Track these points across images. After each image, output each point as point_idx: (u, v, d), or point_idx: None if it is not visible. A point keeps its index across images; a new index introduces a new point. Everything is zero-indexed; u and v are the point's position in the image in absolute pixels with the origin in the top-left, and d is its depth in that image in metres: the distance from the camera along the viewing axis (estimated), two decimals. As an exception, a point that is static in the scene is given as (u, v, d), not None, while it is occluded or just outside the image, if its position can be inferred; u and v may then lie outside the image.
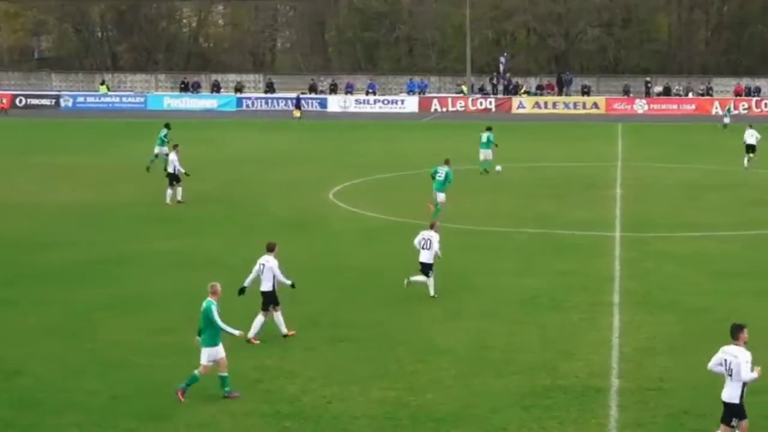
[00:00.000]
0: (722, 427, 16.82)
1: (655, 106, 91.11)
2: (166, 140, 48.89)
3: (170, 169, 41.13)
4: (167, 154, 43.63)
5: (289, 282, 23.30)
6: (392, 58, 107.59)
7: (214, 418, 18.60)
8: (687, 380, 20.35)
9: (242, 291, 23.27)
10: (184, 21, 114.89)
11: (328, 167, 52.29)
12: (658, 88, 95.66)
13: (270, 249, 23.39)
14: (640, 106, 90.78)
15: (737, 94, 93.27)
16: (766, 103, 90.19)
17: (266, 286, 23.08)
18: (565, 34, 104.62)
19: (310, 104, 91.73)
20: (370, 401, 19.40)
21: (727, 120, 75.72)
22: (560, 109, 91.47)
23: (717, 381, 20.06)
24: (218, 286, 19.86)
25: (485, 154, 50.69)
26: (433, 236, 26.81)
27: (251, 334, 22.63)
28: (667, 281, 28.64)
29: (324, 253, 32.17)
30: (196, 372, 19.38)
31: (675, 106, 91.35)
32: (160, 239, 34.30)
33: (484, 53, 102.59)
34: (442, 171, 38.48)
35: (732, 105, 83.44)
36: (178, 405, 19.10)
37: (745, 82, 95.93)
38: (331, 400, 19.45)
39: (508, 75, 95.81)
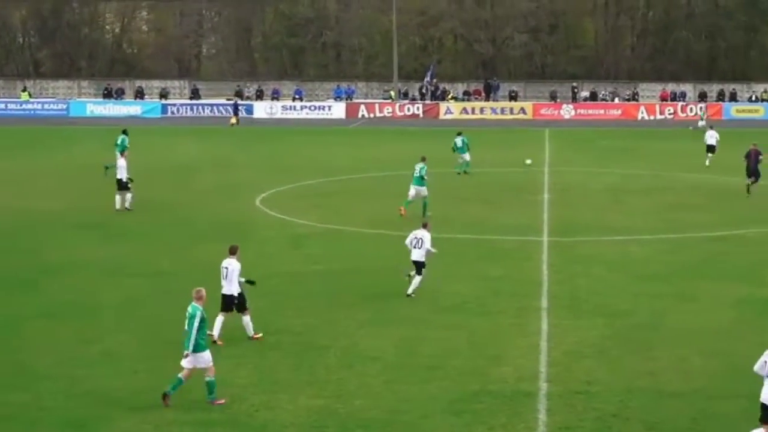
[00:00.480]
0: (763, 427, 17.03)
1: (582, 111, 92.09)
2: (125, 146, 48.84)
3: (119, 176, 41.11)
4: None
5: (242, 279, 23.70)
6: (319, 64, 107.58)
7: (139, 428, 18.48)
8: (614, 383, 20.60)
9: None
10: (107, 27, 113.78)
11: (255, 174, 52.14)
12: (585, 94, 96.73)
13: (232, 252, 23.66)
14: (567, 111, 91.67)
15: (663, 99, 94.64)
16: (691, 108, 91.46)
17: (230, 289, 23.33)
18: (492, 40, 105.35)
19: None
20: (298, 409, 19.38)
21: (702, 123, 76.85)
22: (488, 115, 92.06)
23: (645, 385, 20.42)
24: (203, 291, 19.95)
25: (463, 158, 53.02)
26: (425, 235, 27.75)
27: (215, 334, 22.96)
28: (594, 285, 28.98)
29: (251, 260, 31.98)
30: (180, 377, 19.55)
31: (601, 111, 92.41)
32: (85, 247, 33.99)
33: (411, 59, 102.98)
34: (418, 167, 40.35)
35: (705, 107, 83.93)
36: (103, 414, 18.97)
37: (670, 87, 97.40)
38: (259, 409, 19.41)
39: (435, 81, 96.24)
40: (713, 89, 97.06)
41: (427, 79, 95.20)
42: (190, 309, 19.64)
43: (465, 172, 52.59)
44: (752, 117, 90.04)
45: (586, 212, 41.27)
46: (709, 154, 55.43)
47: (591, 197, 45.35)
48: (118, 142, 50.31)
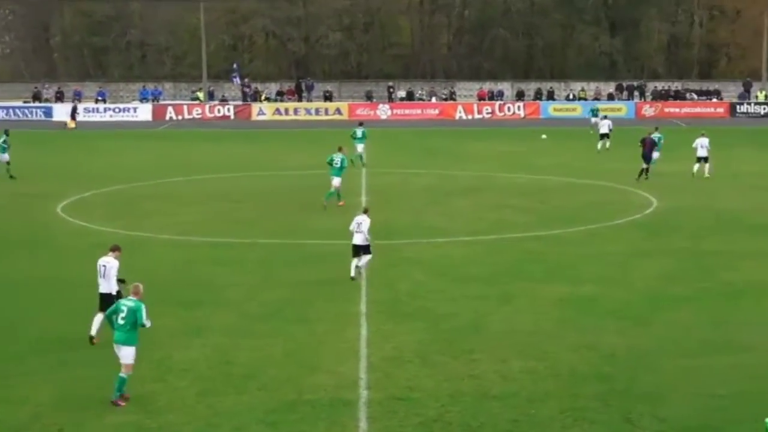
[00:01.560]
0: None
1: (399, 111, 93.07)
2: (6, 146, 51.99)
3: None
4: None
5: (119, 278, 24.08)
6: (124, 65, 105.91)
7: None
8: (436, 389, 20.78)
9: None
10: None
11: (56, 180, 50.96)
12: (402, 93, 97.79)
13: (113, 249, 24.05)
14: (384, 111, 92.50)
15: (480, 98, 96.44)
16: (509, 107, 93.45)
17: (107, 287, 23.69)
18: (306, 39, 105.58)
19: (34, 113, 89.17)
20: (105, 427, 18.93)
21: (596, 120, 78.14)
22: (302, 116, 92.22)
23: (467, 389, 20.65)
24: (141, 287, 20.70)
25: (360, 148, 56.18)
26: (365, 220, 29.79)
27: (93, 331, 23.39)
28: (414, 288, 29.22)
29: (51, 270, 31.28)
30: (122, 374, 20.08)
31: (419, 111, 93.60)
32: None
33: (220, 58, 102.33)
34: (338, 158, 43.18)
35: (596, 106, 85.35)
36: None
37: (487, 86, 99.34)
38: (63, 427, 18.88)
39: (247, 80, 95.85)
40: (531, 88, 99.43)
41: (236, 80, 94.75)
42: (131, 303, 20.30)
43: (362, 165, 55.34)
44: (570, 116, 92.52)
45: (405, 214, 41.65)
46: (601, 141, 64.39)
47: (410, 199, 45.81)
48: (0, 142, 52.51)
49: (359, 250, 29.68)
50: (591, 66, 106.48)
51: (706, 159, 52.29)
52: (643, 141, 51.55)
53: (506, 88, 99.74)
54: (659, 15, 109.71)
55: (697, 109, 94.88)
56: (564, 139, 72.37)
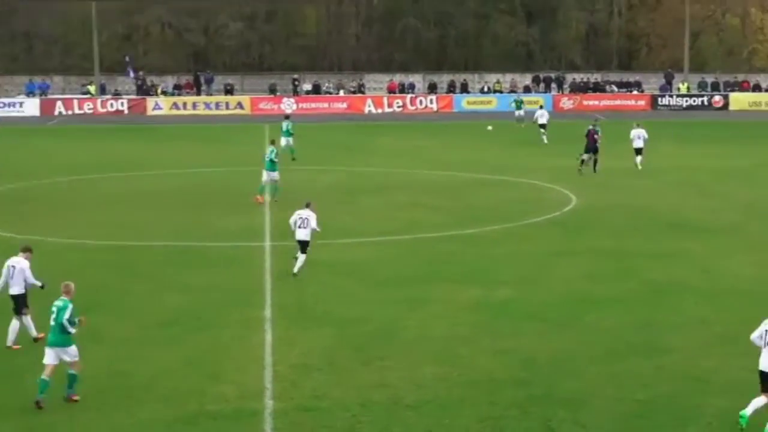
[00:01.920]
0: (763, 396, 18.85)
1: (305, 105, 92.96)
2: None
3: None
4: None
5: (39, 283, 24.21)
6: (8, 57, 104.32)
7: None
8: (346, 397, 20.81)
9: None
10: None
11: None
12: (307, 86, 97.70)
13: (23, 250, 24.29)
14: (288, 105, 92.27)
15: (391, 91, 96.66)
16: (421, 101, 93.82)
17: (16, 289, 23.86)
18: (205, 29, 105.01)
19: None
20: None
21: (520, 113, 78.59)
22: (201, 110, 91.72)
23: (378, 397, 20.71)
24: (72, 285, 21.19)
25: (287, 141, 57.14)
26: (311, 215, 31.00)
27: (10, 341, 23.62)
28: (322, 292, 29.23)
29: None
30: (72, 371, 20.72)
31: (326, 105, 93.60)
32: None
33: (113, 50, 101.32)
34: (269, 151, 44.73)
35: (520, 98, 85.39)
36: None
37: (398, 78, 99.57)
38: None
39: (141, 73, 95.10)
40: (444, 80, 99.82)
41: (130, 73, 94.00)
42: (59, 303, 20.70)
43: (292, 158, 56.17)
44: (484, 109, 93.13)
45: (311, 214, 41.59)
46: (542, 131, 67.92)
47: (318, 197, 45.42)
48: None
49: (302, 246, 30.87)
50: (507, 57, 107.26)
51: (641, 151, 53.37)
52: (588, 132, 52.84)
53: (418, 80, 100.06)
54: (577, 3, 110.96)
55: (617, 102, 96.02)
56: (479, 134, 72.83)
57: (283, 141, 56.29)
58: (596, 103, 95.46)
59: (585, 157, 52.49)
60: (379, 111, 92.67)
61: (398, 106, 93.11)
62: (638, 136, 54.10)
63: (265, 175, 44.60)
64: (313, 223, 31.00)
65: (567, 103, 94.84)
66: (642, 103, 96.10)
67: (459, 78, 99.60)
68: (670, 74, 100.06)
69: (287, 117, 61.00)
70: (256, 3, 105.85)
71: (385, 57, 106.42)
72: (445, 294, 28.95)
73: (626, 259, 33.25)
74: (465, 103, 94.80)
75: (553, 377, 21.86)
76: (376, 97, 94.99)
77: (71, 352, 20.64)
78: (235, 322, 26.24)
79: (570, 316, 26.56)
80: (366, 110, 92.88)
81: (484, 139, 70.00)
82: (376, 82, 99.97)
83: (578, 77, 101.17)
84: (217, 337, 24.96)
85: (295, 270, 30.66)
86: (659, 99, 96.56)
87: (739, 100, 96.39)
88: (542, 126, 68.19)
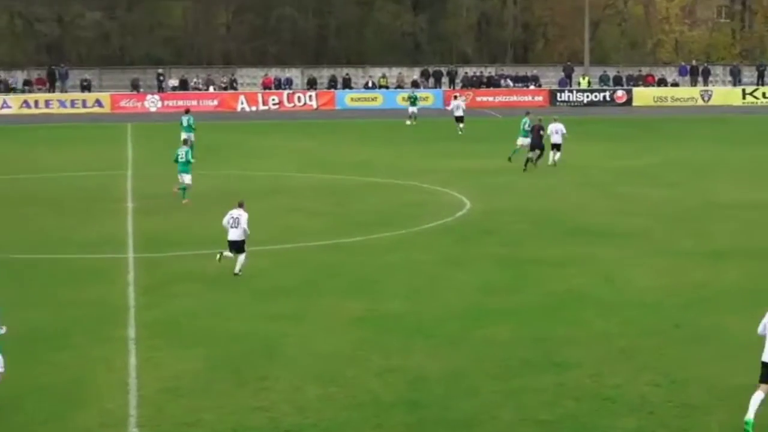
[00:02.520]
0: (762, 386, 19.46)
1: (171, 103, 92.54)
2: None
3: None
4: None
5: None
6: None
7: None
8: (220, 423, 20.72)
9: None
10: None
11: None
12: (174, 82, 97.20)
13: None
14: (153, 102, 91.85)
15: (266, 87, 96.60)
16: (299, 97, 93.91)
17: None
18: (59, 19, 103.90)
19: None
20: None
21: (414, 110, 78.73)
22: (55, 109, 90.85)
23: (257, 422, 20.71)
24: None
25: (188, 136, 57.71)
26: (242, 214, 32.44)
27: None
28: (194, 307, 29.09)
29: None
30: None
31: (194, 102, 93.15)
32: None
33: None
34: (182, 152, 46.18)
35: (414, 94, 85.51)
36: None
37: (274, 72, 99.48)
38: None
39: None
40: (324, 75, 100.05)
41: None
42: None
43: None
44: (370, 106, 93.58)
45: (181, 222, 41.47)
46: (460, 125, 72.58)
47: (188, 204, 45.57)
48: None
49: (235, 247, 32.41)
50: (392, 49, 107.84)
51: (559, 147, 54.52)
52: (533, 128, 54.91)
53: (296, 75, 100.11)
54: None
55: (513, 98, 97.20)
56: (364, 133, 73.08)
57: (183, 136, 56.11)
58: (491, 99, 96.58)
59: (531, 155, 54.60)
60: (254, 109, 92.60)
61: (274, 104, 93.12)
62: (556, 130, 55.43)
63: (180, 178, 45.91)
64: (244, 224, 32.35)
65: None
66: (539, 98, 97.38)
67: (341, 72, 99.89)
68: (570, 67, 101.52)
69: (187, 111, 62.82)
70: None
71: (258, 49, 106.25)
72: (328, 308, 29.01)
73: (523, 268, 33.61)
74: (348, 99, 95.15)
75: (446, 397, 21.98)
76: (250, 93, 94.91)
77: None
78: (96, 342, 26.00)
79: (463, 331, 26.76)
80: (239, 108, 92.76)
81: (370, 138, 70.29)
82: (250, 77, 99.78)
83: (471, 71, 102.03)
84: (77, 360, 24.71)
85: (237, 270, 32.26)
86: (558, 94, 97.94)
87: (643, 95, 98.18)
88: (459, 119, 72.88)
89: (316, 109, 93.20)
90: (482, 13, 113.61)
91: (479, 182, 50.55)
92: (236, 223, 32.33)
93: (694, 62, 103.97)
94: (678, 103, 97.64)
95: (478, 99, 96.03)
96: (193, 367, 24.11)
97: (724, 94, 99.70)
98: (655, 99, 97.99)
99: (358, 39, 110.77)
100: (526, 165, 54.20)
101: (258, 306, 29.30)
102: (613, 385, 22.61)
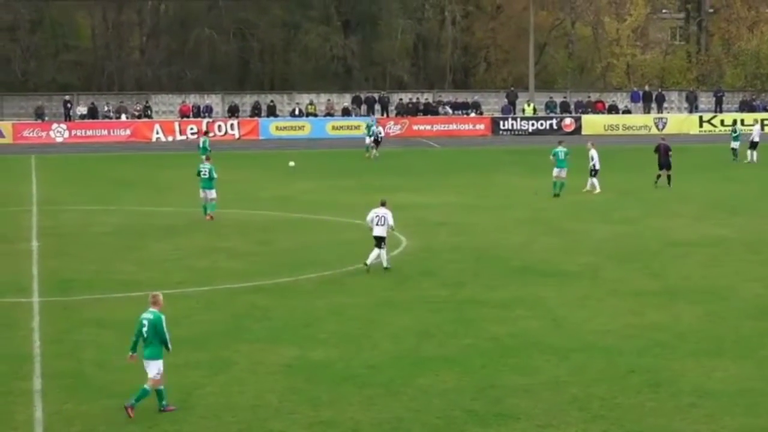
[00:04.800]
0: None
1: (79, 133, 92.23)
2: None
3: None
4: None
5: None
6: None
7: None
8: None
9: None
10: None
11: None
12: (82, 110, 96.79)
13: None
14: (59, 132, 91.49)
15: (183, 115, 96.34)
16: (220, 126, 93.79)
17: None
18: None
19: None
20: None
21: (370, 140, 78.65)
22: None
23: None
24: (160, 296, 24.51)
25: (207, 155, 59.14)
26: (387, 213, 38.75)
27: None
28: (103, 357, 28.87)
29: None
30: (146, 386, 23.65)
31: (105, 132, 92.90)
32: None
33: None
34: (205, 168, 50.86)
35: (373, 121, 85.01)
36: None
37: (192, 99, 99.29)
38: None
39: None
40: (247, 102, 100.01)
41: None
42: (151, 316, 23.98)
43: None
44: (297, 136, 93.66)
45: (88, 263, 41.21)
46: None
47: (94, 243, 45.36)
48: None
49: (381, 242, 38.57)
50: (321, 74, 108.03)
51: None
52: (658, 147, 61.86)
53: (216, 102, 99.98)
54: (402, 10, 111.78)
55: (453, 126, 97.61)
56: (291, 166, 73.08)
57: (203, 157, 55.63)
58: (428, 127, 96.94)
59: (660, 173, 61.62)
60: (170, 139, 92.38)
61: (192, 133, 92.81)
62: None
63: (202, 194, 50.73)
64: (391, 221, 38.65)
65: (394, 128, 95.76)
66: (481, 127, 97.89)
67: (265, 99, 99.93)
68: (514, 93, 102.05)
69: (206, 133, 65.97)
70: (17, 9, 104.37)
71: (175, 74, 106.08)
72: (252, 355, 28.91)
73: (465, 311, 33.65)
74: (273, 128, 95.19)
75: (382, 452, 21.98)
76: (166, 122, 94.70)
77: (161, 366, 24.05)
78: (-3, 395, 25.82)
79: (400, 380, 26.74)
80: (153, 138, 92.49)
81: (297, 171, 70.24)
82: (166, 104, 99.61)
83: (406, 97, 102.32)
84: (-25, 415, 24.52)
85: (386, 264, 38.83)
86: (501, 122, 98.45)
87: (593, 122, 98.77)
88: (376, 143, 78.48)
89: (239, 138, 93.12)
90: (418, 36, 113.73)
91: (416, 217, 50.60)
92: (382, 221, 38.45)
93: (647, 87, 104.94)
94: (630, 132, 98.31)
95: (415, 128, 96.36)
96: (103, 421, 23.93)
97: (680, 121, 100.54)
98: (606, 127, 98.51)
99: (284, 63, 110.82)
100: (657, 181, 61.47)
101: (174, 354, 29.11)
102: (565, 438, 22.68)
